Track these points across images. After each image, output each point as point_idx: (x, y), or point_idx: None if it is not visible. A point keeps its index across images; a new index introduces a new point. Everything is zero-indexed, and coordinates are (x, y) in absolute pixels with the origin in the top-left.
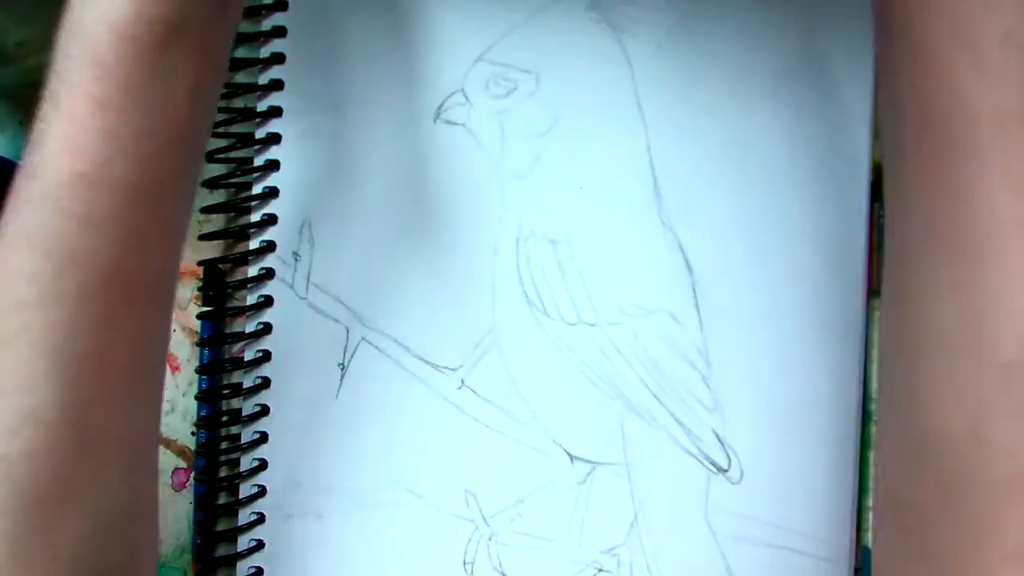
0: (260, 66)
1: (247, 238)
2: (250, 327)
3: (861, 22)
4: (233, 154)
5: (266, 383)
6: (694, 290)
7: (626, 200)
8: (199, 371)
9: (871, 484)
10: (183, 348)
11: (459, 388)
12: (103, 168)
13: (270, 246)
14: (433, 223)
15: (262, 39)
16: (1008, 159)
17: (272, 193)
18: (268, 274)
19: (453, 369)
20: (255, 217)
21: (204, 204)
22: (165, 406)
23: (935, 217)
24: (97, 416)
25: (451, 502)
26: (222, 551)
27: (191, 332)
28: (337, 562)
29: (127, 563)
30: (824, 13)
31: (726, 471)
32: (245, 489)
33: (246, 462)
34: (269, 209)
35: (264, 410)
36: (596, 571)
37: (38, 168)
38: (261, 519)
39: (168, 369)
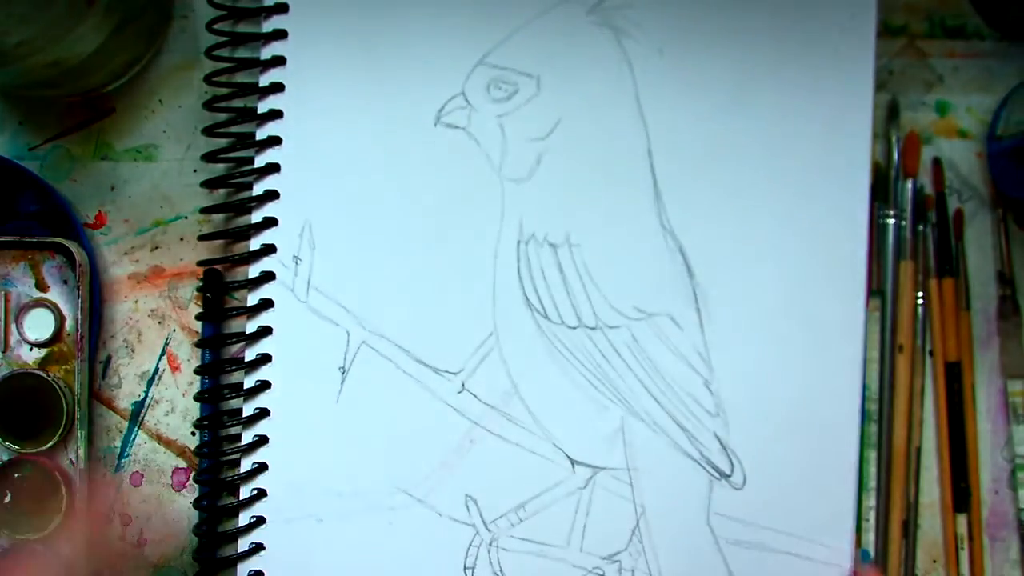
0: (261, 68)
1: (247, 238)
2: (250, 328)
3: (861, 24)
4: (233, 154)
5: (266, 385)
6: (695, 293)
7: (627, 203)
8: (198, 372)
9: (871, 484)
10: (183, 348)
11: (460, 392)
12: None
13: (270, 248)
14: (434, 226)
15: (263, 41)
16: None
17: (272, 195)
18: (268, 276)
19: (454, 373)
20: (255, 219)
21: (204, 204)
22: (165, 406)
23: None
24: None
25: (451, 507)
26: (222, 553)
27: (191, 332)
28: (337, 565)
29: None
30: (824, 16)
31: (729, 476)
32: (245, 491)
33: (246, 464)
34: (269, 211)
35: (264, 412)
36: None
37: None
38: (261, 521)
39: (168, 369)
